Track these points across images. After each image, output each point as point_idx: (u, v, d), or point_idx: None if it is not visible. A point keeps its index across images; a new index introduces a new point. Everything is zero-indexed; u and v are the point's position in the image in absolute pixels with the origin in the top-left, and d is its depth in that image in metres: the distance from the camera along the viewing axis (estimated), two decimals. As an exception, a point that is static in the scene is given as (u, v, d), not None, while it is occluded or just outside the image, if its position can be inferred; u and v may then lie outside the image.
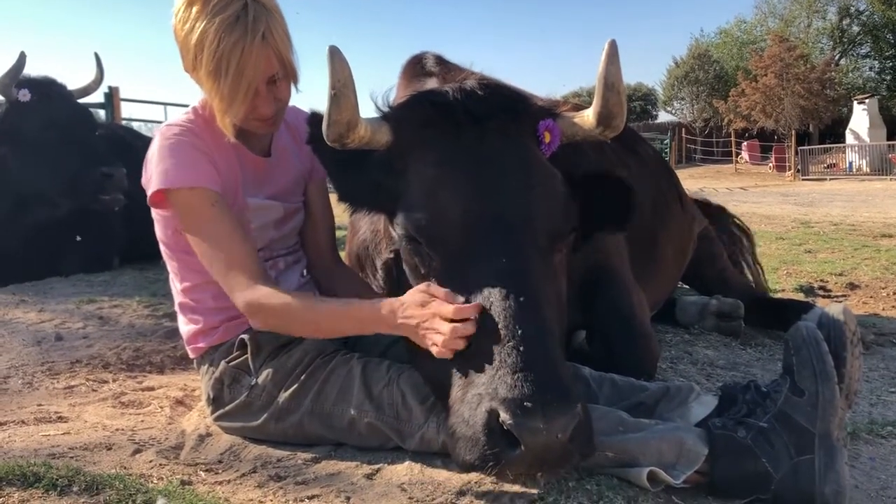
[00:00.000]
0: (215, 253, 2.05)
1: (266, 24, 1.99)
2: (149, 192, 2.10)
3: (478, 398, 1.57)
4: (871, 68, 41.33)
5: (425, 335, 1.72)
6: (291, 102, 2.23)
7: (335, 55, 1.74)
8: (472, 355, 1.64)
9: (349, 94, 1.77)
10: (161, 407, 2.51)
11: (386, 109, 1.99)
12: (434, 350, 1.69)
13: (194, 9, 1.99)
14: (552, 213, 1.82)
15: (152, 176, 2.08)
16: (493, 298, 1.65)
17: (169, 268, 2.31)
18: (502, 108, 1.90)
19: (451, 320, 1.65)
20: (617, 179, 2.05)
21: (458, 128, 1.85)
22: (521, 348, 1.56)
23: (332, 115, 1.78)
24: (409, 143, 1.89)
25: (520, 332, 1.59)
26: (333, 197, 2.18)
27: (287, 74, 2.10)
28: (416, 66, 2.74)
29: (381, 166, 1.92)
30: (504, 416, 1.50)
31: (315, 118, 1.94)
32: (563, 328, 1.87)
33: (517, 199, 1.77)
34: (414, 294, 1.77)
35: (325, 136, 1.83)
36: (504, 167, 1.81)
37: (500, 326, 1.60)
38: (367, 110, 1.90)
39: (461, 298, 1.70)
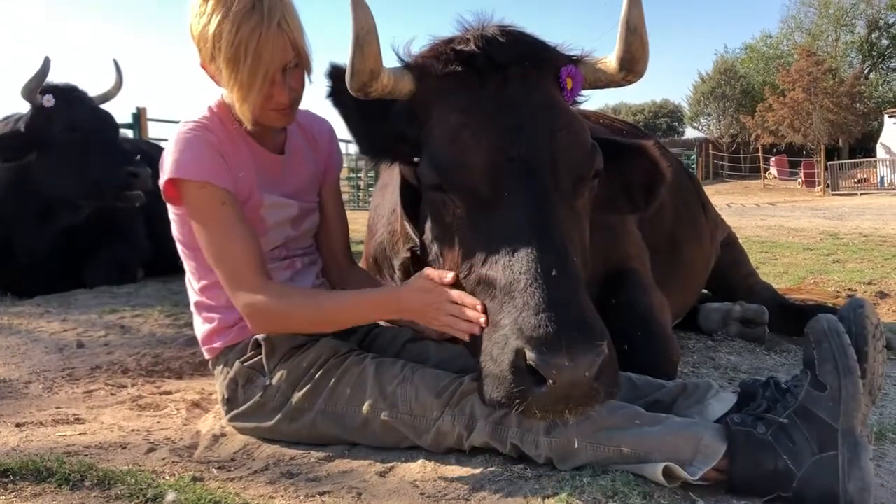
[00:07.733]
0: (220, 252, 2.08)
1: (281, 12, 2.02)
2: (161, 182, 2.12)
3: (504, 338, 1.60)
4: (901, 81, 40.90)
5: (434, 318, 1.82)
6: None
7: (358, 3, 1.72)
8: (499, 299, 1.66)
9: (373, 42, 1.75)
10: (178, 409, 2.51)
11: (408, 59, 1.98)
12: (455, 333, 1.80)
13: (210, 3, 2.03)
14: (575, 157, 1.82)
15: (165, 166, 2.11)
16: (517, 242, 1.66)
17: (186, 267, 2.31)
18: (524, 54, 1.89)
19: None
20: (642, 149, 2.07)
21: (481, 75, 1.85)
22: (546, 289, 1.58)
23: (357, 64, 1.76)
24: (432, 92, 1.89)
25: (544, 273, 1.60)
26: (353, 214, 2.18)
27: (301, 63, 2.13)
28: None
29: (404, 116, 1.93)
30: (530, 355, 1.52)
31: (336, 71, 1.94)
32: (588, 271, 1.88)
33: (540, 144, 1.77)
34: (417, 280, 1.86)
35: (349, 86, 1.81)
36: (527, 112, 1.81)
37: (525, 269, 1.62)
38: (389, 62, 1.89)
39: (450, 277, 1.80)
